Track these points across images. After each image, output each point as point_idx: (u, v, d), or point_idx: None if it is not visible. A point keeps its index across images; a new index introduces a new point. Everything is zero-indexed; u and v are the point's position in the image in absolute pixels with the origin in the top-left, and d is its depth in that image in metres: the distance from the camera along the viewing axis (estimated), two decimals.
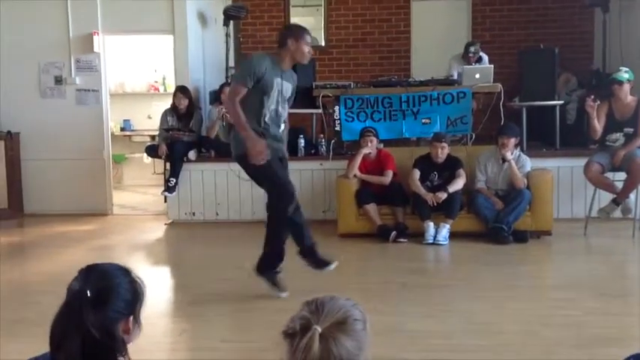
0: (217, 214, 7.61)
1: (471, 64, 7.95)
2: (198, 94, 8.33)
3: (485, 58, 8.23)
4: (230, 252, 6.27)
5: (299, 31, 4.50)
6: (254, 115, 4.38)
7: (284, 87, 4.48)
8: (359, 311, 1.46)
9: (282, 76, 4.44)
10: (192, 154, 7.62)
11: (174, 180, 7.46)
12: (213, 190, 7.59)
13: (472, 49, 8.09)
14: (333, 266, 4.65)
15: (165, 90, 10.23)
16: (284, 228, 4.62)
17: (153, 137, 9.25)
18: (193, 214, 7.63)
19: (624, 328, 3.96)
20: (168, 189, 7.48)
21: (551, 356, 3.50)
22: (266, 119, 4.42)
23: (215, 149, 7.75)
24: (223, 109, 7.57)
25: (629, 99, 6.35)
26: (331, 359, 1.36)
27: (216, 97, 7.78)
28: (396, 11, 10.06)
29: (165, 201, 7.76)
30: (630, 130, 6.30)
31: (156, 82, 10.55)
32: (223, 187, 7.57)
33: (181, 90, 7.73)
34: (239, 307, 4.47)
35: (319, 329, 1.37)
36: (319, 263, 4.67)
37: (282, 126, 4.61)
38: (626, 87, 6.31)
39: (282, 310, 1.52)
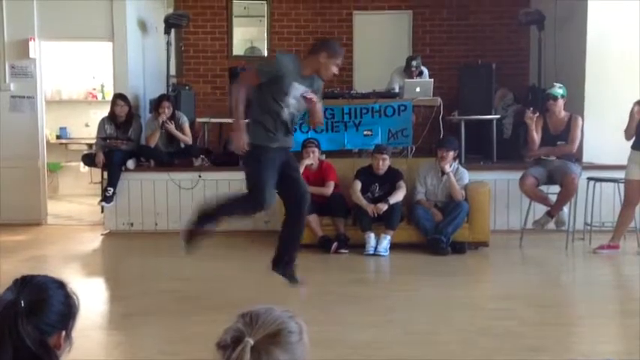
0: (156, 224, 7.48)
1: (413, 78, 8.07)
2: (137, 102, 8.19)
3: (426, 71, 8.37)
4: (169, 263, 6.17)
5: (335, 50, 4.52)
6: (268, 113, 4.42)
7: (300, 92, 4.48)
8: (295, 323, 1.44)
9: (301, 81, 4.45)
10: (130, 164, 7.48)
11: (112, 190, 7.30)
12: (153, 200, 7.46)
13: (414, 63, 8.21)
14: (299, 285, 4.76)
15: (103, 98, 10.03)
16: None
17: (90, 146, 9.04)
18: (131, 224, 7.48)
19: (557, 337, 4.06)
20: (106, 199, 7.31)
21: None
22: (282, 118, 4.44)
23: (154, 158, 7.62)
24: (164, 117, 7.47)
25: (563, 114, 6.55)
26: None
27: (155, 105, 7.66)
28: (338, 24, 10.14)
29: (103, 211, 7.59)
30: (563, 143, 6.50)
31: (94, 89, 10.33)
32: (163, 197, 7.45)
33: (121, 97, 7.58)
34: (176, 318, 4.38)
35: (251, 342, 1.35)
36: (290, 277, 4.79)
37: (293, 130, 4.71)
38: (560, 102, 6.52)
39: (220, 322, 1.50)
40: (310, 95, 4.45)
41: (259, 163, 4.43)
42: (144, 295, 5.00)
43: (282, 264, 4.74)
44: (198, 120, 8.27)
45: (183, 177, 7.46)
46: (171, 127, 7.51)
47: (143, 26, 8.55)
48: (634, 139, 6.21)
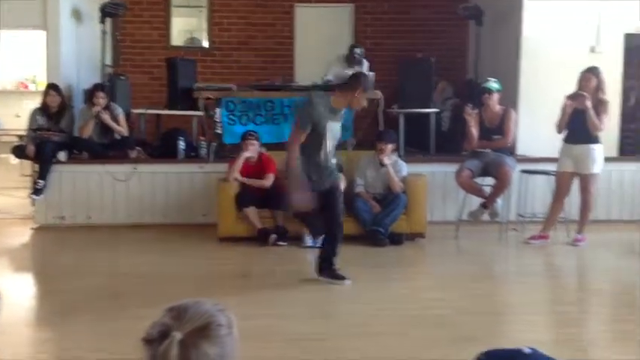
0: (89, 217, 7.28)
1: (354, 66, 8.10)
2: (71, 92, 7.94)
3: (366, 64, 8.42)
4: (101, 257, 6.02)
5: (369, 85, 4.98)
6: (316, 152, 4.80)
7: (334, 126, 4.86)
8: (224, 316, 1.41)
9: (334, 117, 4.82)
10: (62, 155, 7.25)
11: (43, 182, 7.06)
12: (86, 193, 7.25)
13: (358, 50, 8.22)
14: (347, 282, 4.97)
15: (35, 88, 9.69)
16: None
17: (21, 137, 8.73)
18: (63, 217, 7.26)
19: (489, 326, 4.14)
20: (36, 191, 7.07)
21: (422, 355, 3.60)
22: (324, 157, 4.84)
23: (88, 150, 7.42)
24: (98, 108, 7.27)
25: (498, 108, 6.68)
26: None
27: (89, 96, 7.45)
28: (280, 16, 10.09)
29: (33, 204, 7.34)
30: (498, 137, 6.63)
31: (26, 79, 9.99)
32: (96, 190, 7.26)
33: (53, 87, 7.33)
34: (107, 314, 4.28)
35: (178, 336, 1.31)
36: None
37: (334, 160, 5.01)
38: (495, 96, 6.64)
39: (152, 317, 1.44)
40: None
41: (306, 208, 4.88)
42: (74, 290, 4.86)
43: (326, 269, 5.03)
44: (134, 111, 8.09)
45: (117, 169, 7.28)
46: (106, 117, 7.31)
47: (78, 15, 8.29)
48: (566, 132, 6.38)
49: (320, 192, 4.87)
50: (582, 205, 6.39)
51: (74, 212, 7.27)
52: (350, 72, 7.74)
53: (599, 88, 6.17)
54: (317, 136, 4.76)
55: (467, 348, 3.55)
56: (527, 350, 1.29)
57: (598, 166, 6.29)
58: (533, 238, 6.46)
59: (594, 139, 6.23)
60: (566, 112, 6.23)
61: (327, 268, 5.01)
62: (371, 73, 7.81)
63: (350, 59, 8.24)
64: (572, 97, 6.20)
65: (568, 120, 6.25)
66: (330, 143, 4.84)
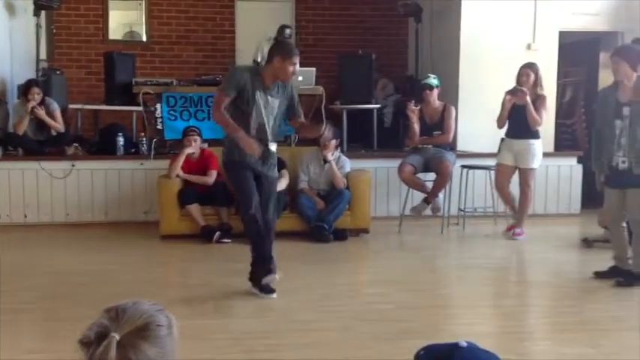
0: (26, 216, 7.07)
1: None
2: (4, 87, 7.70)
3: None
4: (40, 256, 5.85)
5: (287, 50, 4.52)
6: (243, 126, 4.42)
7: (270, 102, 4.50)
8: (164, 316, 1.39)
9: (266, 91, 4.47)
10: None
11: None
12: (22, 191, 7.03)
13: (288, 31, 8.20)
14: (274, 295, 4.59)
15: None
16: (254, 233, 4.59)
17: None
18: None
19: (431, 319, 4.21)
20: None
21: (365, 350, 3.63)
22: (251, 129, 4.45)
23: (23, 147, 7.19)
24: (32, 104, 7.05)
25: (437, 104, 6.79)
26: None
27: (23, 91, 7.21)
28: (220, 10, 10.00)
29: None
30: (439, 132, 6.74)
31: None
32: (33, 187, 7.04)
33: None
34: (46, 315, 4.18)
35: (117, 337, 1.29)
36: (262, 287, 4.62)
37: (272, 145, 4.59)
38: (435, 92, 6.75)
39: (91, 318, 1.41)
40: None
41: (239, 177, 4.53)
42: (13, 292, 4.70)
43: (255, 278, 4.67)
44: (71, 106, 7.88)
45: (54, 166, 7.08)
46: (42, 112, 7.09)
47: (10, 7, 8.02)
48: (506, 127, 6.52)
49: (250, 169, 4.52)
50: (521, 199, 6.55)
51: (10, 211, 7.04)
52: None
53: (537, 83, 6.34)
54: (244, 107, 4.42)
55: (409, 342, 3.60)
56: (463, 344, 1.32)
57: (537, 161, 6.46)
58: (509, 230, 6.57)
59: (534, 135, 6.39)
60: (505, 107, 6.37)
61: (253, 278, 4.66)
62: (312, 69, 7.84)
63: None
64: (511, 93, 6.34)
65: (508, 115, 6.39)
66: (260, 117, 4.46)
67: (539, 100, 6.31)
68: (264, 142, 4.50)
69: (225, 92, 4.47)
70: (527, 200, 6.55)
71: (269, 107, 4.50)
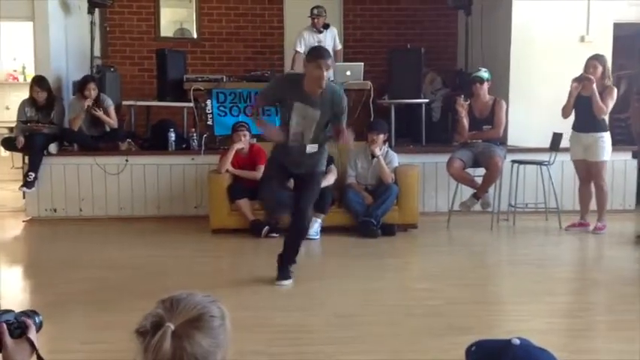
0: (81, 210, 7.26)
1: (319, 29, 8.09)
2: (60, 84, 7.89)
3: (335, 31, 8.37)
4: (94, 250, 6.00)
5: (312, 54, 4.50)
6: (283, 128, 4.59)
7: (308, 112, 4.46)
8: (217, 307, 1.42)
9: (306, 100, 4.43)
10: (53, 148, 7.23)
11: (34, 174, 7.03)
12: (77, 185, 7.23)
13: (315, 11, 8.15)
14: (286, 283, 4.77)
15: (24, 79, 9.63)
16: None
17: (11, 129, 8.67)
18: (55, 210, 7.24)
19: (482, 316, 4.17)
20: (27, 184, 7.04)
21: (413, 345, 3.62)
22: (290, 136, 4.54)
23: (78, 142, 7.38)
24: (89, 102, 7.23)
25: (487, 98, 6.70)
26: (184, 357, 1.31)
27: (80, 87, 7.40)
28: (269, 6, 10.06)
29: (24, 197, 7.31)
30: (488, 127, 6.65)
31: (15, 71, 9.93)
32: (87, 182, 7.23)
33: (37, 83, 7.21)
34: (100, 306, 4.28)
35: (172, 327, 1.32)
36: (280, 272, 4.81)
37: (311, 147, 4.59)
38: (485, 86, 6.67)
39: (144, 309, 1.44)
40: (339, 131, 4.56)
41: (280, 139, 4.60)
42: (67, 283, 4.86)
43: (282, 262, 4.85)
44: (125, 103, 8.05)
45: (108, 161, 7.26)
46: (99, 113, 7.27)
47: (65, 5, 8.22)
48: (574, 120, 6.44)
49: (292, 174, 4.78)
50: (597, 193, 6.48)
51: (66, 205, 7.25)
52: (341, 65, 7.80)
53: (604, 75, 6.28)
54: (285, 115, 4.56)
55: (459, 338, 3.58)
56: (516, 341, 1.30)
57: (608, 154, 6.40)
58: (572, 225, 6.53)
59: (603, 127, 6.35)
60: (572, 94, 6.30)
61: (281, 261, 4.83)
62: (360, 64, 7.83)
63: (311, 21, 8.20)
64: (578, 80, 6.27)
65: (574, 106, 6.30)
66: (298, 126, 4.49)
67: (606, 91, 6.26)
68: (301, 146, 4.56)
69: (261, 97, 4.83)
70: (605, 193, 6.47)
71: (308, 118, 4.48)
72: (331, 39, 8.27)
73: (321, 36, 8.18)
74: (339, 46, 8.45)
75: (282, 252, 4.84)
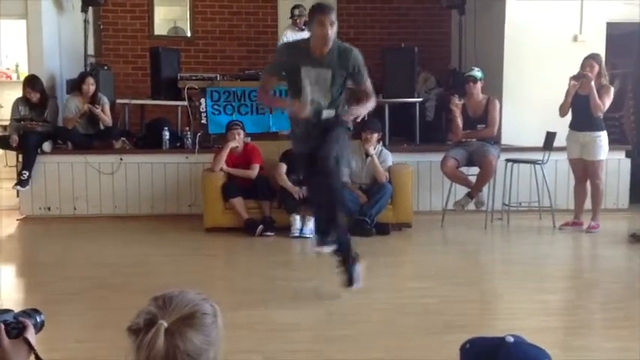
0: (75, 208, 7.24)
1: (301, 28, 8.11)
2: (54, 82, 7.87)
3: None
4: (88, 248, 6.00)
5: (312, 11, 4.13)
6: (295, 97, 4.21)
7: (320, 74, 4.10)
8: (209, 305, 1.43)
9: (315, 62, 4.07)
10: (46, 146, 7.20)
11: (27, 173, 7.01)
12: (71, 184, 7.21)
13: (296, 11, 8.19)
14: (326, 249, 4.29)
15: (18, 78, 9.58)
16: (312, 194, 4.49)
17: (5, 128, 8.65)
18: (49, 208, 7.22)
19: (475, 314, 4.18)
20: (21, 182, 7.02)
21: (407, 343, 3.63)
22: (308, 106, 4.13)
23: (72, 141, 7.36)
24: (88, 107, 7.22)
25: (481, 97, 6.72)
26: (177, 354, 1.32)
27: (78, 82, 7.38)
28: (263, 5, 10.06)
29: (18, 195, 7.29)
30: (482, 126, 6.67)
31: (8, 69, 9.89)
32: (81, 181, 7.21)
33: (30, 84, 7.18)
34: (94, 305, 4.29)
35: (165, 324, 1.33)
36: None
37: (327, 113, 4.18)
38: (479, 85, 6.68)
39: (137, 307, 1.45)
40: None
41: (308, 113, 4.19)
42: (62, 282, 4.85)
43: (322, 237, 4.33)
44: (118, 101, 8.03)
45: (103, 160, 7.25)
46: (98, 110, 7.26)
47: (59, 3, 8.20)
48: (571, 118, 6.46)
49: (307, 154, 4.25)
50: (593, 192, 6.51)
51: (60, 203, 7.23)
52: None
53: (601, 74, 6.33)
54: (294, 84, 4.17)
55: (453, 336, 3.59)
56: (510, 339, 1.31)
57: (604, 153, 6.43)
58: (566, 224, 6.55)
59: (599, 126, 6.38)
60: (570, 92, 6.33)
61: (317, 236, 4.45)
62: None
63: (294, 22, 8.26)
64: (576, 78, 6.30)
65: (571, 104, 6.33)
66: (313, 92, 4.12)
67: (602, 90, 6.29)
68: (318, 112, 4.15)
69: (268, 73, 4.40)
70: (600, 192, 6.51)
71: (321, 80, 4.13)
72: None
73: (302, 33, 8.20)
74: None
75: (315, 219, 4.40)
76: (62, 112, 7.51)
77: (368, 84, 4.29)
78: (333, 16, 4.02)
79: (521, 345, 1.31)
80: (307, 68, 4.11)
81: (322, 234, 4.32)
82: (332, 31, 4.00)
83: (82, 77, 7.35)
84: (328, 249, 4.27)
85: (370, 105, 4.32)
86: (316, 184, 4.28)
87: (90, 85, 7.24)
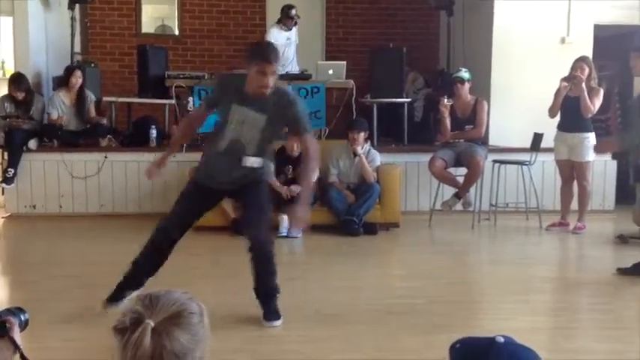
0: (61, 206, 7.19)
1: (289, 27, 8.11)
2: (40, 79, 7.82)
3: (294, 30, 8.34)
4: (74, 247, 5.95)
5: (255, 54, 3.71)
6: (214, 139, 3.90)
7: (250, 116, 3.75)
8: (195, 304, 1.42)
9: (247, 103, 3.73)
10: (32, 144, 7.14)
11: (13, 170, 6.96)
12: (56, 182, 7.16)
13: (292, 12, 8.15)
14: None
15: (4, 75, 9.51)
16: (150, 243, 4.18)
17: None
18: (34, 207, 7.16)
19: (463, 314, 4.18)
20: (6, 180, 6.97)
21: (394, 344, 3.62)
22: (220, 149, 3.83)
23: (58, 138, 7.30)
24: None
25: (469, 98, 6.74)
26: (164, 354, 1.31)
27: (66, 75, 7.33)
28: (251, 4, 10.04)
29: (3, 193, 7.23)
30: (470, 127, 6.69)
31: None
32: (67, 179, 7.16)
33: (15, 82, 7.12)
34: (80, 304, 4.25)
35: (152, 323, 1.31)
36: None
37: (251, 161, 3.83)
38: (467, 86, 6.70)
39: (125, 307, 1.43)
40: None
41: (184, 192, 4.12)
42: (47, 280, 4.81)
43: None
44: (105, 99, 7.98)
45: (89, 158, 7.20)
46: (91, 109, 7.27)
47: (45, 1, 8.14)
48: (559, 120, 6.49)
49: (206, 187, 3.96)
50: (580, 193, 6.54)
51: (45, 201, 7.18)
52: (323, 64, 7.80)
53: (591, 76, 6.36)
54: (221, 119, 3.86)
55: (440, 336, 3.59)
56: (500, 339, 1.31)
57: (592, 154, 6.49)
58: (553, 225, 6.57)
59: (588, 128, 6.42)
60: (561, 93, 6.36)
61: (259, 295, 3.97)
62: (343, 62, 7.83)
63: (285, 21, 8.20)
64: (567, 79, 6.33)
65: (561, 106, 6.35)
66: (235, 132, 3.78)
67: (592, 92, 6.33)
68: (237, 157, 3.83)
69: (200, 106, 4.15)
70: (587, 194, 6.55)
71: (248, 121, 3.77)
72: (296, 35, 8.33)
73: (288, 33, 8.21)
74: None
75: (257, 286, 3.96)
76: (47, 108, 7.45)
77: (309, 136, 3.86)
78: (276, 66, 3.71)
79: (511, 345, 1.31)
80: (236, 106, 3.78)
81: (270, 300, 3.94)
82: (272, 81, 3.69)
83: (69, 70, 7.32)
84: (280, 322, 3.88)
85: (316, 157, 3.89)
86: (254, 260, 3.94)
87: (78, 78, 7.21)
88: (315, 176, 4.06)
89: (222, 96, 3.87)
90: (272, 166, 4.00)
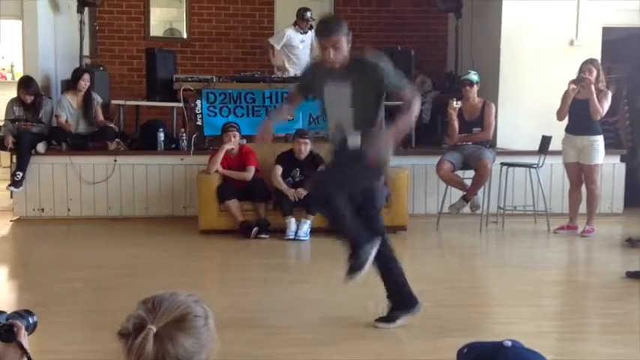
0: (69, 210, 7.21)
1: (305, 31, 8.12)
2: (48, 82, 7.85)
3: (311, 33, 8.27)
4: (82, 250, 5.97)
5: (316, 29, 3.85)
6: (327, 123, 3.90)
7: (336, 94, 3.70)
8: (200, 307, 1.41)
9: (330, 82, 3.70)
10: (41, 147, 7.17)
11: (21, 174, 6.98)
12: (65, 185, 7.18)
13: (308, 14, 8.15)
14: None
15: (13, 78, 9.57)
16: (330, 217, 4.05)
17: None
18: (42, 210, 7.18)
19: (470, 318, 4.17)
20: (15, 183, 6.99)
21: (402, 347, 3.62)
22: (332, 129, 3.83)
23: (66, 142, 7.33)
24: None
25: (477, 100, 6.72)
26: (167, 358, 1.30)
27: (74, 78, 7.34)
28: (259, 7, 10.05)
29: (12, 196, 7.26)
30: (478, 129, 6.67)
31: (3, 69, 9.87)
32: (75, 182, 7.18)
33: (24, 85, 7.16)
34: (87, 307, 4.27)
35: (154, 329, 1.31)
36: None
37: (353, 139, 3.73)
38: (475, 88, 6.69)
39: (130, 310, 1.43)
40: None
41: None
42: (55, 283, 4.82)
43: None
44: (114, 102, 8.01)
45: (97, 161, 7.22)
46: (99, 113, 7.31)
47: (55, 4, 8.18)
48: (568, 122, 6.46)
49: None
50: (588, 196, 6.52)
51: (54, 204, 7.20)
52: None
53: (599, 79, 6.34)
54: (321, 105, 3.88)
55: (448, 340, 3.59)
56: (508, 344, 1.30)
57: (601, 157, 6.45)
58: (561, 228, 6.55)
59: (597, 131, 6.39)
60: (569, 95, 6.34)
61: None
62: None
63: (301, 23, 8.21)
64: (576, 82, 6.30)
65: (570, 109, 6.33)
66: (337, 110, 3.74)
67: (601, 94, 6.30)
68: (343, 137, 3.76)
69: (294, 90, 4.15)
70: (596, 197, 6.52)
71: (337, 100, 3.73)
72: (312, 39, 8.31)
73: (303, 36, 8.21)
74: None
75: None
76: (56, 111, 7.48)
77: (406, 91, 3.82)
78: (336, 36, 3.59)
79: (519, 350, 1.30)
80: (328, 84, 3.74)
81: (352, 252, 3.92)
82: (336, 53, 3.60)
83: (78, 73, 7.34)
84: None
85: (414, 110, 3.82)
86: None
87: (86, 82, 7.25)
88: (412, 121, 3.96)
89: (312, 80, 3.86)
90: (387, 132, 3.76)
